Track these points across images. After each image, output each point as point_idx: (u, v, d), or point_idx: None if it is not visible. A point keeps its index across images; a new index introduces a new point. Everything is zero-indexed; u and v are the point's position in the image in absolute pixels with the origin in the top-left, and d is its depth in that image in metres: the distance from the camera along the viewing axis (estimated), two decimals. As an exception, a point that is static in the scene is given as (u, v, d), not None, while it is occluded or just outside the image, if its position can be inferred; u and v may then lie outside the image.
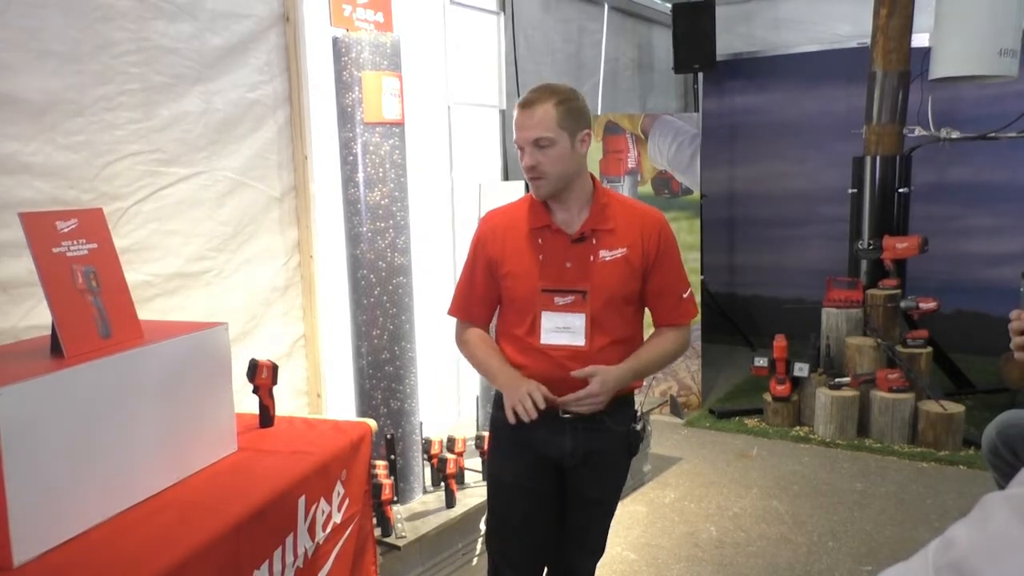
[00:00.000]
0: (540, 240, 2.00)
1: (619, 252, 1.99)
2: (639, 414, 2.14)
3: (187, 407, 2.00)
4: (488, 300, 2.11)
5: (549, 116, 1.92)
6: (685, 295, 2.09)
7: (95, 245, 1.89)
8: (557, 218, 2.02)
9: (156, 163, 2.60)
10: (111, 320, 1.88)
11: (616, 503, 2.22)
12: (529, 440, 2.05)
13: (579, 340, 1.98)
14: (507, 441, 2.11)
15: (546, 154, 1.93)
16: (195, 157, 2.73)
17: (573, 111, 1.95)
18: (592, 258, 1.99)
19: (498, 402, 2.10)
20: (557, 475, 2.11)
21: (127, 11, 2.48)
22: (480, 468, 3.18)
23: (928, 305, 4.75)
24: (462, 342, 2.16)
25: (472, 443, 3.32)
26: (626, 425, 2.09)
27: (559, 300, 1.98)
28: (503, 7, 4.55)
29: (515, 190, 3.70)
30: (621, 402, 2.07)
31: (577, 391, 1.95)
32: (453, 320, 2.23)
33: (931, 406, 4.51)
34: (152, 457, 1.89)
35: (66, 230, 1.83)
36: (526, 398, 1.90)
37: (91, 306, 1.84)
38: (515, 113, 1.97)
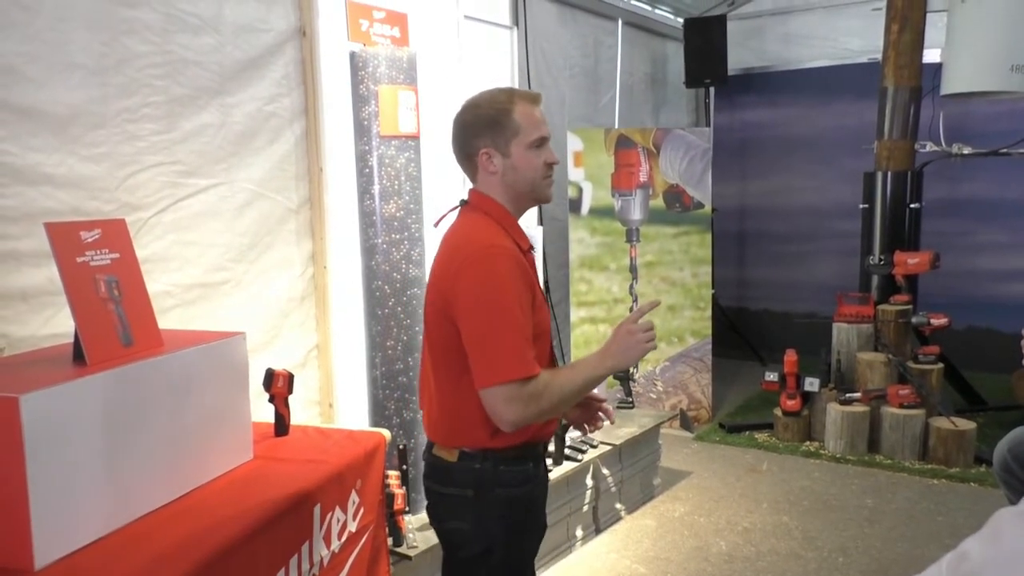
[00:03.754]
0: (528, 262, 1.81)
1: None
2: None
3: (205, 415, 2.03)
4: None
5: None
6: None
7: (117, 255, 1.93)
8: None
9: (177, 174, 2.64)
10: (132, 328, 1.91)
11: None
12: (543, 493, 1.93)
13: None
14: (528, 511, 1.86)
15: None
16: (214, 169, 2.77)
17: None
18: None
19: (502, 480, 1.78)
20: None
21: (152, 24, 2.53)
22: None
23: (939, 321, 4.74)
24: (532, 399, 1.65)
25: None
26: None
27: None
28: (516, 22, 4.60)
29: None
30: None
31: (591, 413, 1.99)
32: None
33: (942, 423, 4.50)
34: (171, 464, 1.92)
35: (90, 240, 1.87)
36: (650, 331, 1.72)
37: (113, 314, 1.88)
38: (529, 108, 1.79)
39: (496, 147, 1.78)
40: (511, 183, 1.80)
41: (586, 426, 2.03)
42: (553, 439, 3.36)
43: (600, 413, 2.00)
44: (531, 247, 1.85)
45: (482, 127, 1.78)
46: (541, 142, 1.79)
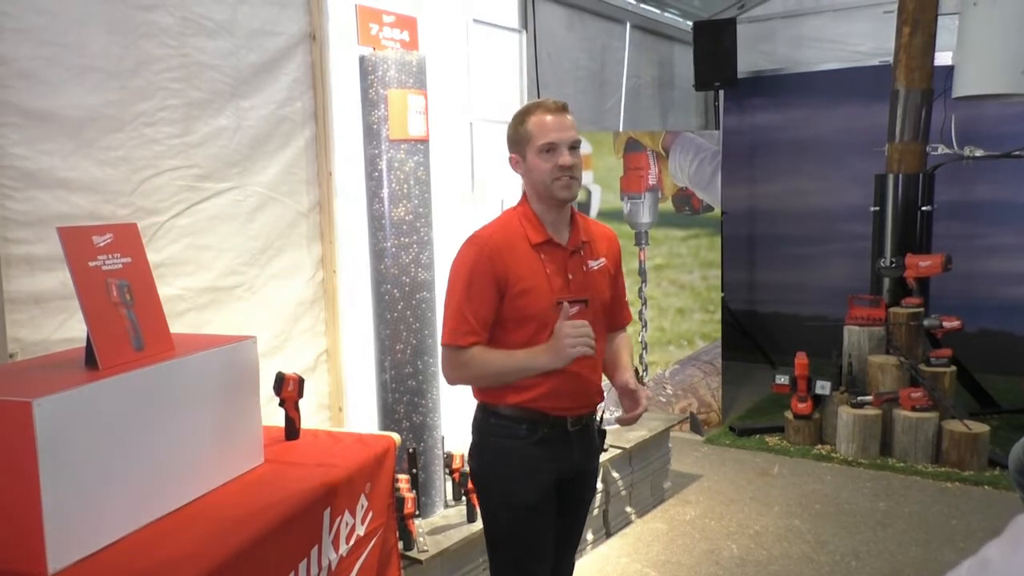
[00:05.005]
0: (542, 255, 2.02)
1: (601, 262, 2.12)
2: (599, 414, 2.22)
3: (216, 419, 2.03)
4: (488, 321, 2.01)
5: (575, 124, 2.04)
6: (627, 298, 2.32)
7: (129, 259, 1.93)
8: (551, 231, 2.05)
9: (193, 178, 2.65)
10: (144, 333, 1.91)
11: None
12: (542, 459, 2.05)
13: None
14: (519, 464, 2.06)
15: (578, 157, 2.02)
16: (229, 172, 2.78)
17: None
18: (585, 268, 2.08)
19: (491, 430, 2.08)
20: (558, 496, 2.13)
21: (168, 27, 2.54)
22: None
23: (952, 324, 4.71)
24: (460, 366, 2.01)
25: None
26: (599, 426, 2.22)
27: (570, 311, 1.99)
28: (525, 25, 4.60)
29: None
30: None
31: (596, 403, 2.14)
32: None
33: (955, 425, 4.47)
34: (182, 468, 1.92)
35: (102, 244, 1.87)
36: (583, 336, 1.89)
37: (125, 319, 1.88)
38: (543, 117, 2.00)
39: (519, 154, 2.05)
40: (531, 184, 2.05)
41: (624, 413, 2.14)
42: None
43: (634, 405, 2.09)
44: (548, 240, 2.03)
45: (511, 137, 2.07)
46: (550, 147, 1.98)
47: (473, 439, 2.15)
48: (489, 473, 2.11)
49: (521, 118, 2.04)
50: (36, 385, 1.65)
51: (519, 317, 2.00)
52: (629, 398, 2.09)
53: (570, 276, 2.04)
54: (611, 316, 2.20)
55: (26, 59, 2.20)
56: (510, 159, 2.08)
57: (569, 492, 2.15)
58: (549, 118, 2.00)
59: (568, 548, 2.26)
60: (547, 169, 1.98)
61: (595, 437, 2.19)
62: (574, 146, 2.00)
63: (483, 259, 1.98)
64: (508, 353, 2.00)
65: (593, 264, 2.10)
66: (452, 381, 2.08)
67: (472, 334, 1.98)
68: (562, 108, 2.02)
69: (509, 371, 2.00)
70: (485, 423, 2.10)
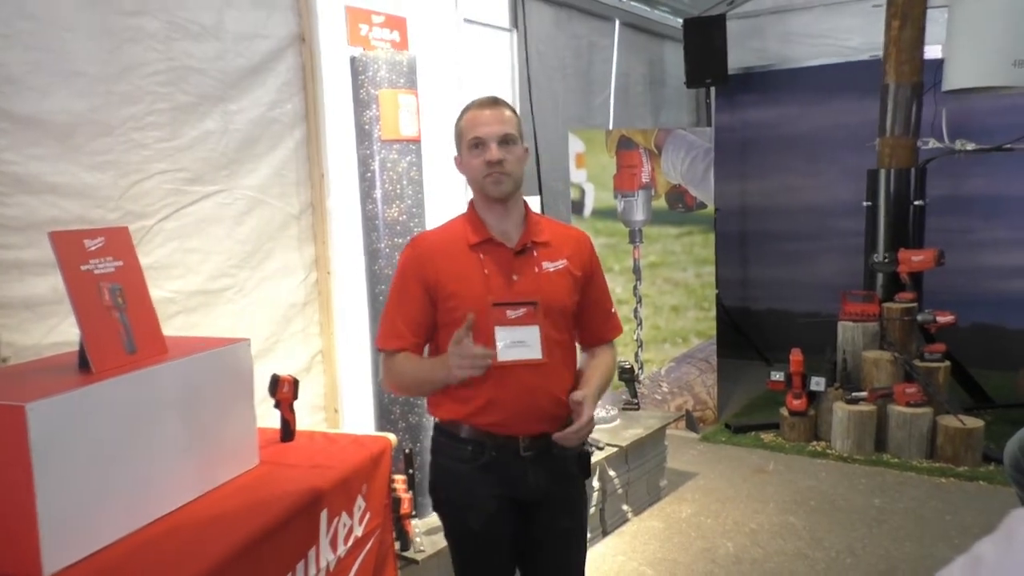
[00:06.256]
0: (482, 255, 1.93)
1: (561, 264, 1.98)
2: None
3: (211, 421, 2.03)
4: (421, 325, 1.95)
5: (513, 118, 1.96)
6: (613, 310, 2.14)
7: (121, 263, 1.93)
8: (495, 231, 1.96)
9: (181, 182, 2.64)
10: (136, 336, 1.91)
11: (586, 532, 2.14)
12: (487, 485, 1.95)
13: (536, 353, 1.89)
14: (463, 489, 1.97)
15: (511, 151, 1.92)
16: (217, 175, 2.77)
17: (520, 123, 2.00)
18: (537, 269, 1.95)
19: (440, 448, 2.01)
20: (518, 517, 2.00)
21: (155, 32, 2.54)
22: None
23: (945, 319, 4.72)
24: (387, 372, 1.99)
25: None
26: (575, 449, 1.99)
27: (511, 313, 1.89)
28: (515, 24, 4.60)
29: (531, 205, 3.72)
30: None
31: (558, 420, 1.90)
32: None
33: (950, 421, 4.48)
34: (177, 470, 1.92)
35: (93, 248, 1.87)
36: (468, 359, 1.76)
37: (117, 322, 1.88)
38: (474, 113, 1.93)
39: (459, 153, 1.99)
40: (470, 183, 2.00)
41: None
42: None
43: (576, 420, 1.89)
44: (488, 239, 1.94)
45: (454, 137, 2.01)
46: (477, 142, 1.91)
47: (430, 455, 2.09)
48: (439, 494, 2.04)
49: (458, 117, 1.98)
50: (30, 389, 1.65)
51: (450, 321, 1.88)
52: (574, 413, 1.89)
53: (515, 277, 1.92)
54: (591, 328, 2.08)
55: (13, 64, 2.19)
56: (454, 159, 2.01)
57: (536, 519, 2.00)
58: (483, 113, 1.92)
59: None
60: (477, 166, 1.91)
61: (568, 462, 1.99)
62: (505, 140, 1.90)
63: (414, 261, 1.96)
64: (421, 360, 1.95)
65: (549, 266, 1.96)
66: (386, 388, 2.04)
67: (399, 338, 1.94)
68: (494, 102, 1.95)
69: (419, 380, 1.95)
70: (436, 441, 2.04)
